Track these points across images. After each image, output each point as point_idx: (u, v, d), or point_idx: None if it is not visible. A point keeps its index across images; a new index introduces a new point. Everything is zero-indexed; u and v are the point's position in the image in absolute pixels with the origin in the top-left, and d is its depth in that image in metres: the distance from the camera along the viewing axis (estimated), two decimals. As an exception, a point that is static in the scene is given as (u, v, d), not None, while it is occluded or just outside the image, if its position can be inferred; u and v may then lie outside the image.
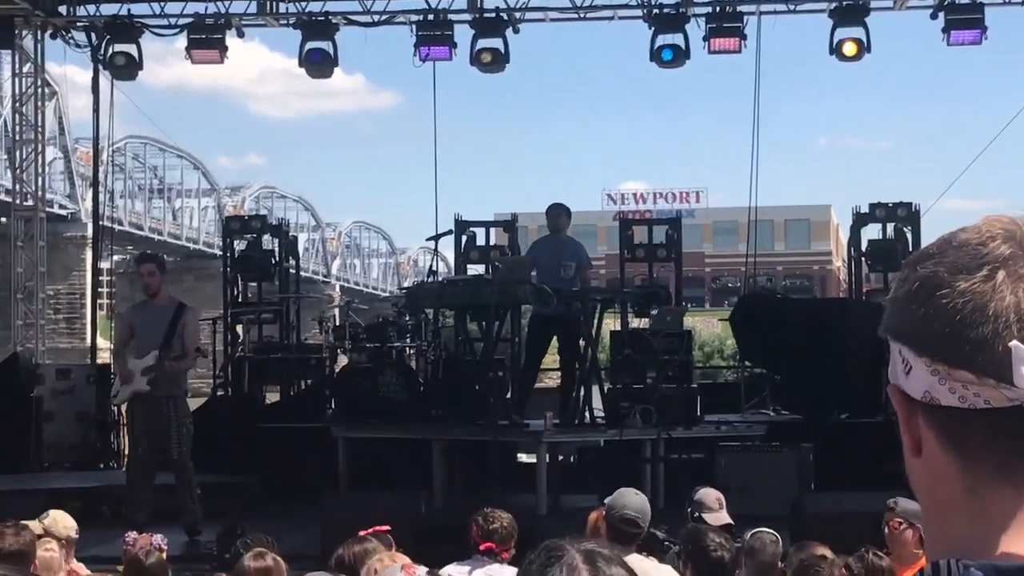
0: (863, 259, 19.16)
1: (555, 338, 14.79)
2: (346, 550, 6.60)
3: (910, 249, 18.82)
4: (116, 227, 46.99)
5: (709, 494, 7.85)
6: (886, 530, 7.49)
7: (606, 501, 7.26)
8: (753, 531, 7.09)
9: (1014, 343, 1.34)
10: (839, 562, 4.84)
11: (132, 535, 8.32)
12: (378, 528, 6.90)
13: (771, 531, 7.08)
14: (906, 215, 18.73)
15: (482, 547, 7.13)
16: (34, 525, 7.66)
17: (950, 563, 1.37)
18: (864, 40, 18.82)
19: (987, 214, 1.46)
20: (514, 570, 6.99)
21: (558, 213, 14.98)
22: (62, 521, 8.00)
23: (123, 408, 13.13)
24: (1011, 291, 1.36)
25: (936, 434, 1.41)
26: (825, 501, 11.79)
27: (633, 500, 7.12)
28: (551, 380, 17.46)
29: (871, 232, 19.24)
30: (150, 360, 12.46)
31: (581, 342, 14.42)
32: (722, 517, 7.60)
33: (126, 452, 18.49)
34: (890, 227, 18.92)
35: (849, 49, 18.81)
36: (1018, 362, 1.34)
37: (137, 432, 12.73)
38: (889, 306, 1.46)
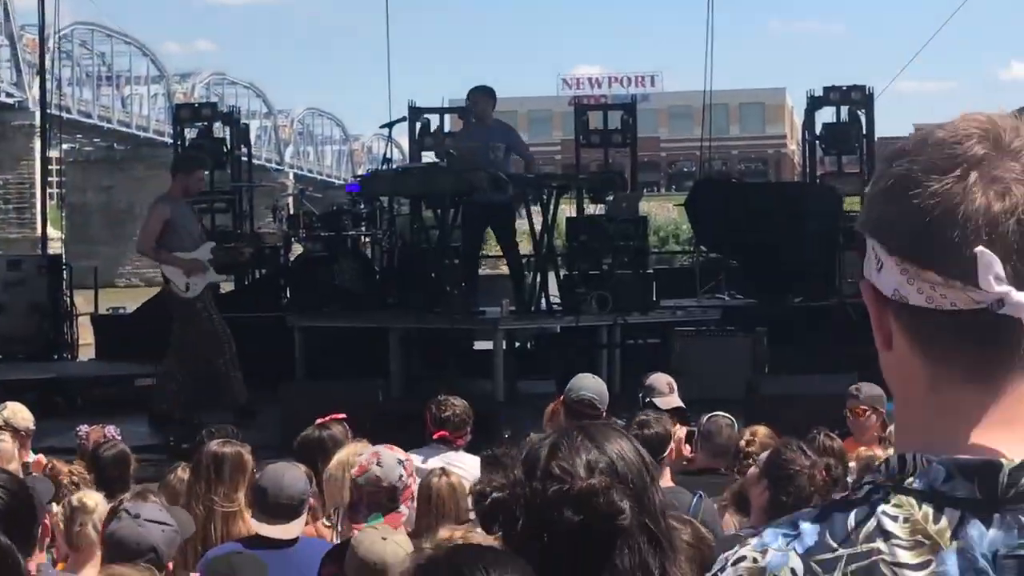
0: (817, 142, 19.17)
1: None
2: (309, 436, 6.61)
3: (864, 132, 18.84)
4: (64, 115, 46.44)
5: (660, 379, 7.89)
6: (849, 416, 7.54)
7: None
8: (709, 415, 7.13)
9: (979, 249, 1.35)
10: (820, 463, 4.79)
11: (84, 427, 8.28)
12: (334, 416, 6.91)
13: (727, 415, 7.12)
14: (860, 98, 18.73)
15: (436, 435, 7.17)
16: (-9, 416, 7.63)
17: (915, 456, 1.40)
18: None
19: (962, 112, 1.45)
20: (470, 456, 7.03)
21: (474, 100, 14.62)
22: (20, 413, 7.95)
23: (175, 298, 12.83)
24: (982, 193, 1.37)
25: (904, 332, 1.43)
26: (778, 384, 11.87)
27: (589, 383, 7.15)
28: (505, 267, 17.46)
29: (825, 115, 19.24)
30: (208, 252, 12.45)
31: (532, 227, 14.38)
32: (672, 401, 7.64)
33: (78, 342, 18.44)
34: (844, 110, 18.92)
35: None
36: (984, 268, 1.35)
37: (214, 324, 12.62)
38: (865, 202, 1.48)
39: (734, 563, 1.44)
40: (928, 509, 1.37)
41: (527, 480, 2.32)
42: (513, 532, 2.32)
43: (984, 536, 1.36)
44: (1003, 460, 1.37)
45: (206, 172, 13.04)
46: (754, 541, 1.45)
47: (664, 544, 2.34)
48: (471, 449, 7.27)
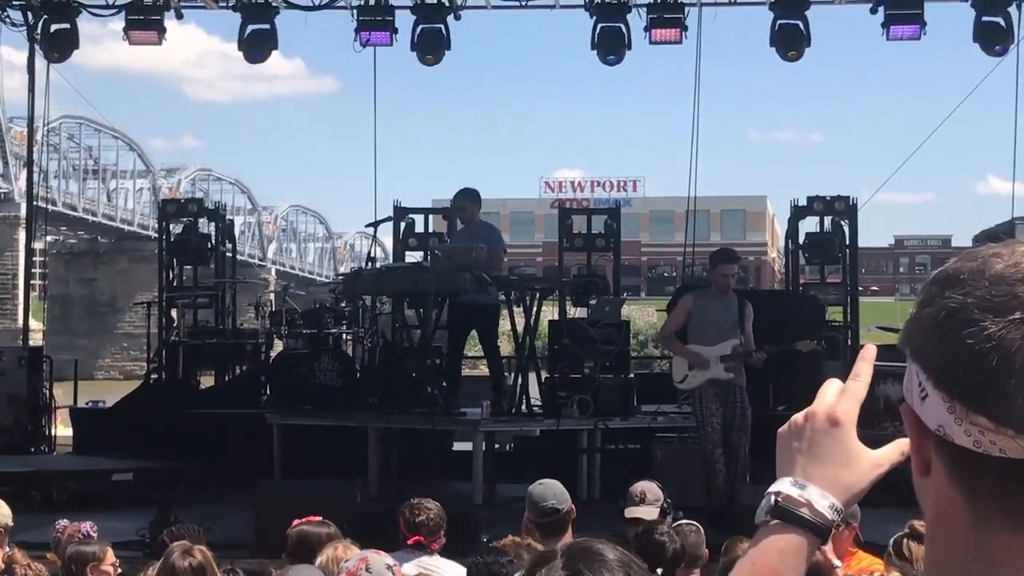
0: (800, 251, 19.24)
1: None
2: (306, 532, 6.52)
3: (847, 243, 18.93)
4: (50, 208, 46.54)
5: (637, 487, 7.81)
6: None
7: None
8: (675, 524, 7.10)
9: None
10: None
11: (63, 523, 8.21)
12: (310, 518, 6.82)
13: (692, 522, 7.09)
14: (843, 208, 18.83)
15: (410, 541, 7.05)
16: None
17: None
18: (804, 33, 18.84)
19: (1021, 239, 1.39)
20: (445, 560, 6.96)
21: (461, 205, 14.65)
22: (0, 509, 7.86)
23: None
24: None
25: (945, 467, 1.38)
26: (759, 494, 11.76)
27: (542, 491, 7.02)
28: (486, 368, 17.46)
29: (808, 224, 19.35)
30: (727, 349, 12.32)
31: (515, 329, 14.39)
32: (636, 511, 7.54)
33: (55, 436, 18.31)
34: (828, 220, 19.03)
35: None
36: None
37: (711, 412, 12.36)
38: (912, 323, 1.41)
39: None
40: None
41: None
42: None
43: None
44: None
45: (734, 266, 13.00)
46: None
47: None
48: (447, 552, 7.20)
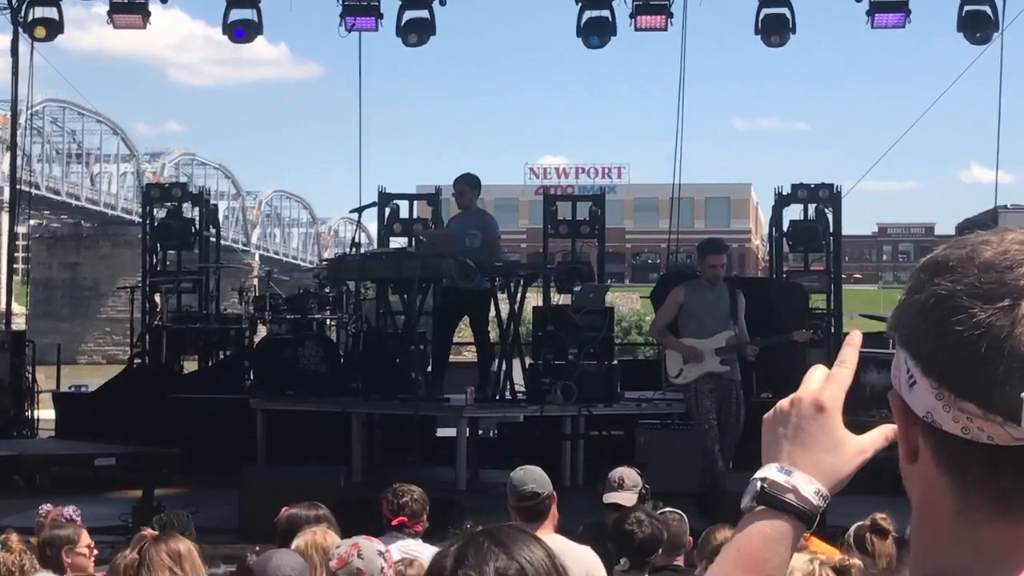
0: (784, 239, 19.26)
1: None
2: (296, 515, 6.53)
3: (830, 230, 18.94)
4: (33, 191, 46.40)
5: (616, 472, 7.83)
6: None
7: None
8: (659, 512, 7.11)
9: None
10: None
11: (46, 507, 8.20)
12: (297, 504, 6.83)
13: (675, 510, 7.10)
14: (827, 196, 18.85)
15: (394, 522, 7.09)
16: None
17: None
18: (789, 21, 18.84)
19: (1009, 227, 1.39)
20: (427, 545, 6.96)
21: (460, 190, 14.67)
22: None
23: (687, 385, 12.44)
24: None
25: (933, 454, 1.38)
26: (743, 480, 11.78)
27: (520, 476, 7.06)
28: (471, 354, 17.45)
29: (793, 212, 19.37)
30: (721, 342, 12.13)
31: (499, 315, 14.39)
32: (613, 497, 7.57)
33: (38, 420, 18.27)
34: (811, 208, 19.05)
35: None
36: None
37: (706, 408, 12.13)
38: (900, 309, 1.41)
39: None
40: None
41: None
42: None
43: None
44: None
45: (722, 256, 12.71)
46: None
47: None
48: (429, 538, 7.21)
